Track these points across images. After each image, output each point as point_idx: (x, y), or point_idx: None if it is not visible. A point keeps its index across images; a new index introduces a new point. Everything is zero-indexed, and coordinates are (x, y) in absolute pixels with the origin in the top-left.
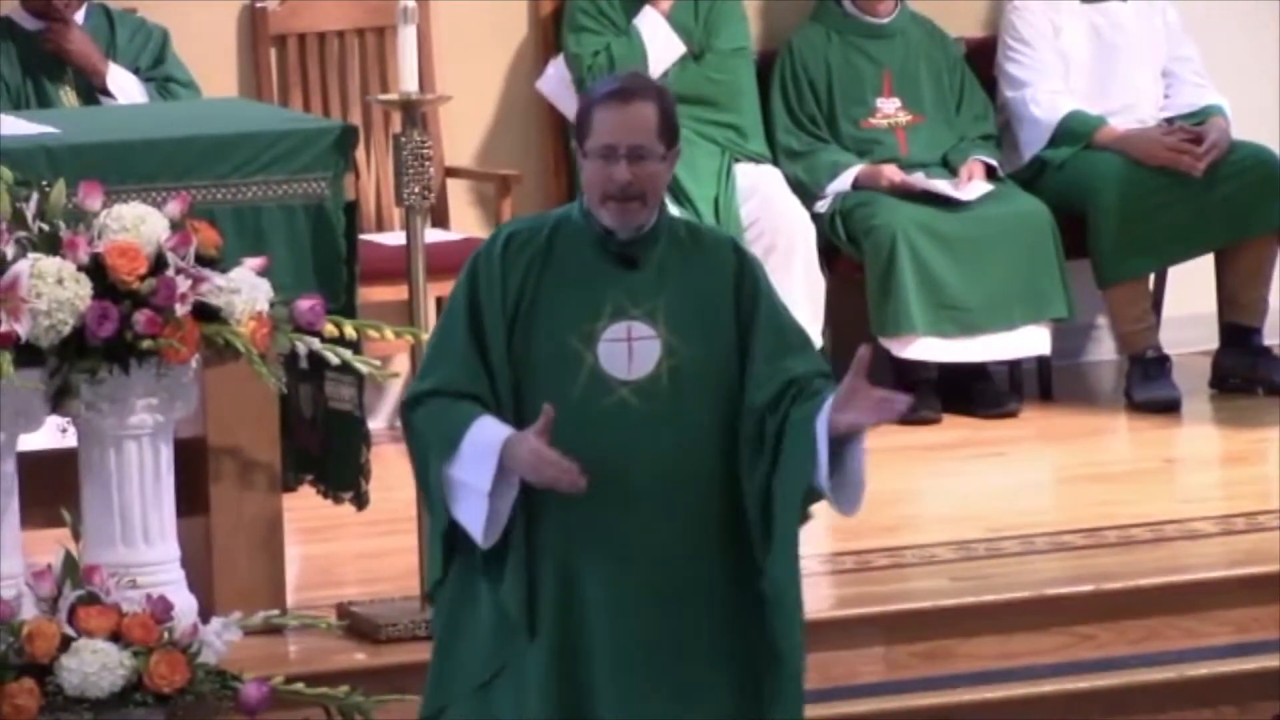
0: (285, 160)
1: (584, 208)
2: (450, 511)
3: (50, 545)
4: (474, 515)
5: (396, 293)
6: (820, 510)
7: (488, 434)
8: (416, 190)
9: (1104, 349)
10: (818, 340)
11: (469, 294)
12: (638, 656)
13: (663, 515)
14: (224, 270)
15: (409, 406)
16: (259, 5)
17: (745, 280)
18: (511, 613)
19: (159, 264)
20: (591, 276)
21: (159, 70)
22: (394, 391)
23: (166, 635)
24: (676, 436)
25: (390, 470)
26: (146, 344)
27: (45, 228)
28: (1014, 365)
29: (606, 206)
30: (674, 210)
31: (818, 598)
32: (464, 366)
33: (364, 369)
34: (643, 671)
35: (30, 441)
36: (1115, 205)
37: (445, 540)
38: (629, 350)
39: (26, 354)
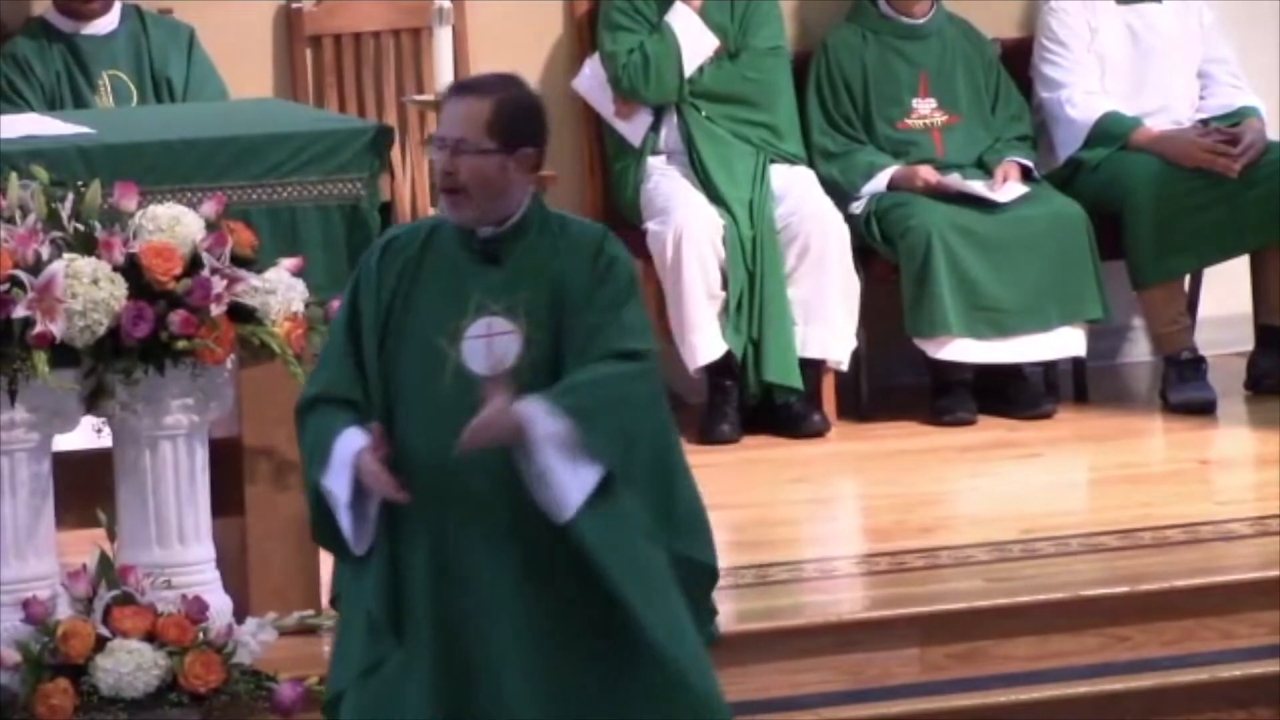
0: (320, 161)
1: None
2: (336, 518)
3: (85, 545)
4: (343, 524)
5: None
6: (854, 512)
7: (346, 446)
8: None
9: (1139, 350)
10: (851, 341)
11: (350, 301)
12: (515, 650)
13: (531, 505)
14: (259, 271)
15: (300, 410)
16: (294, 5)
17: (598, 268)
18: (378, 617)
19: (194, 264)
20: (458, 275)
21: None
22: None
23: (201, 635)
24: None
25: None
26: (181, 344)
27: (81, 228)
28: (1049, 366)
29: (440, 197)
30: (711, 210)
31: (853, 599)
32: (342, 372)
33: None
34: (519, 665)
35: (65, 442)
36: (1151, 206)
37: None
38: (489, 346)
39: (62, 354)
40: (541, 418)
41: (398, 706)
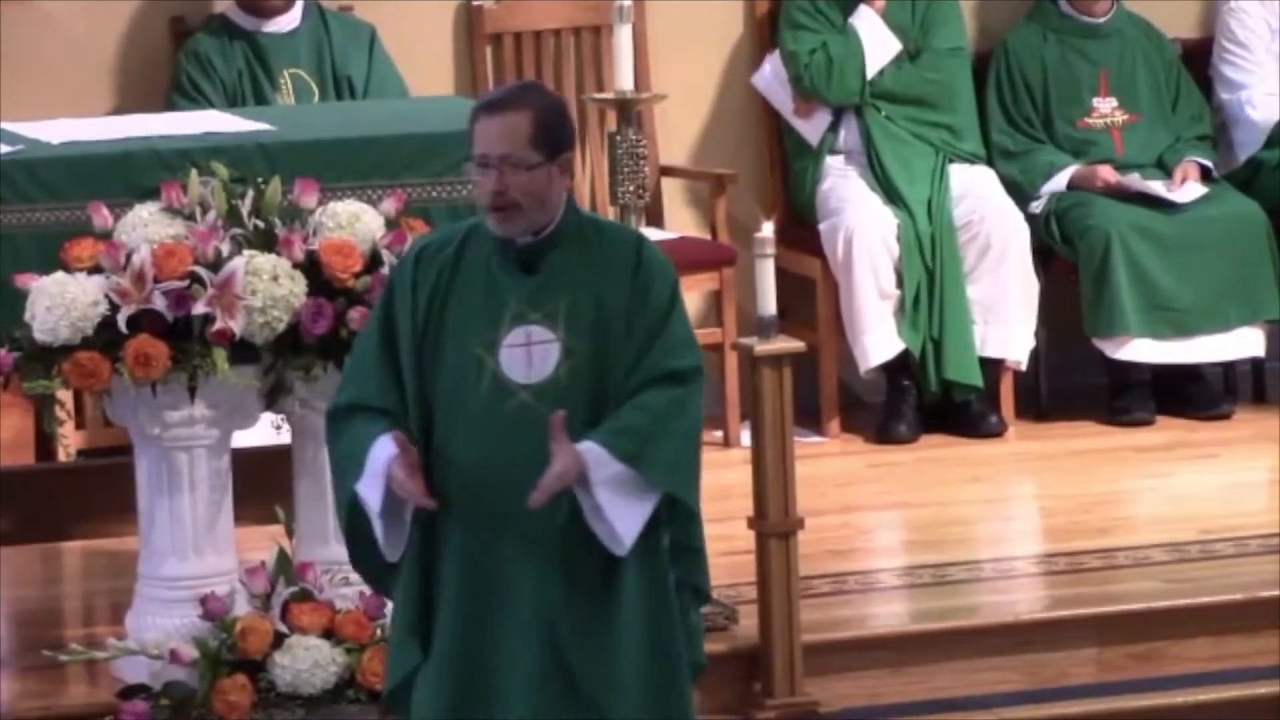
0: None
1: None
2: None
3: (264, 542)
4: (377, 531)
5: None
6: (1031, 512)
7: (381, 455)
8: (631, 189)
9: None
10: (1030, 341)
11: (384, 309)
12: (535, 661)
13: (569, 513)
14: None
15: (329, 419)
16: (475, 4)
17: (639, 281)
18: (405, 624)
19: (374, 261)
20: (495, 284)
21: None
22: None
23: (379, 633)
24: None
25: None
26: None
27: (261, 225)
28: (1228, 367)
29: (489, 215)
30: (885, 210)
31: (1030, 599)
32: (377, 381)
33: None
34: (538, 676)
35: (244, 438)
36: None
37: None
38: (528, 354)
39: (241, 351)
40: (603, 462)
41: (421, 710)
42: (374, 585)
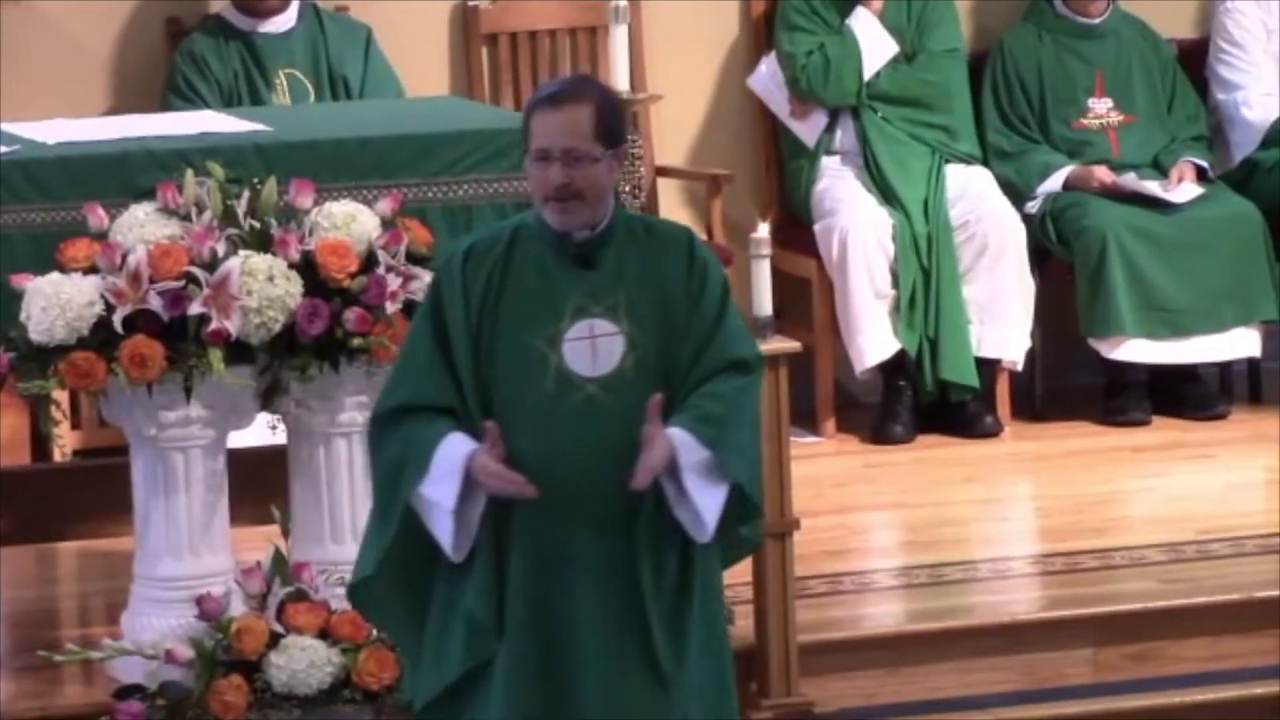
0: (496, 159)
1: (538, 213)
2: (428, 527)
3: (259, 542)
4: (444, 531)
5: None
6: (1027, 512)
7: (453, 452)
8: (627, 189)
9: None
10: (1026, 341)
11: (433, 309)
12: (616, 649)
13: (637, 505)
14: (434, 268)
15: (377, 423)
16: (471, 4)
17: (695, 275)
18: (480, 620)
19: (370, 262)
20: (551, 278)
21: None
22: None
23: (375, 633)
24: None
25: None
26: (356, 341)
27: (256, 225)
28: (1224, 367)
29: (548, 207)
30: (880, 210)
31: (1026, 600)
32: (432, 380)
33: None
34: (620, 664)
35: (240, 438)
36: None
37: (392, 550)
38: (592, 347)
39: (237, 351)
40: (691, 447)
41: (497, 705)
42: (402, 597)
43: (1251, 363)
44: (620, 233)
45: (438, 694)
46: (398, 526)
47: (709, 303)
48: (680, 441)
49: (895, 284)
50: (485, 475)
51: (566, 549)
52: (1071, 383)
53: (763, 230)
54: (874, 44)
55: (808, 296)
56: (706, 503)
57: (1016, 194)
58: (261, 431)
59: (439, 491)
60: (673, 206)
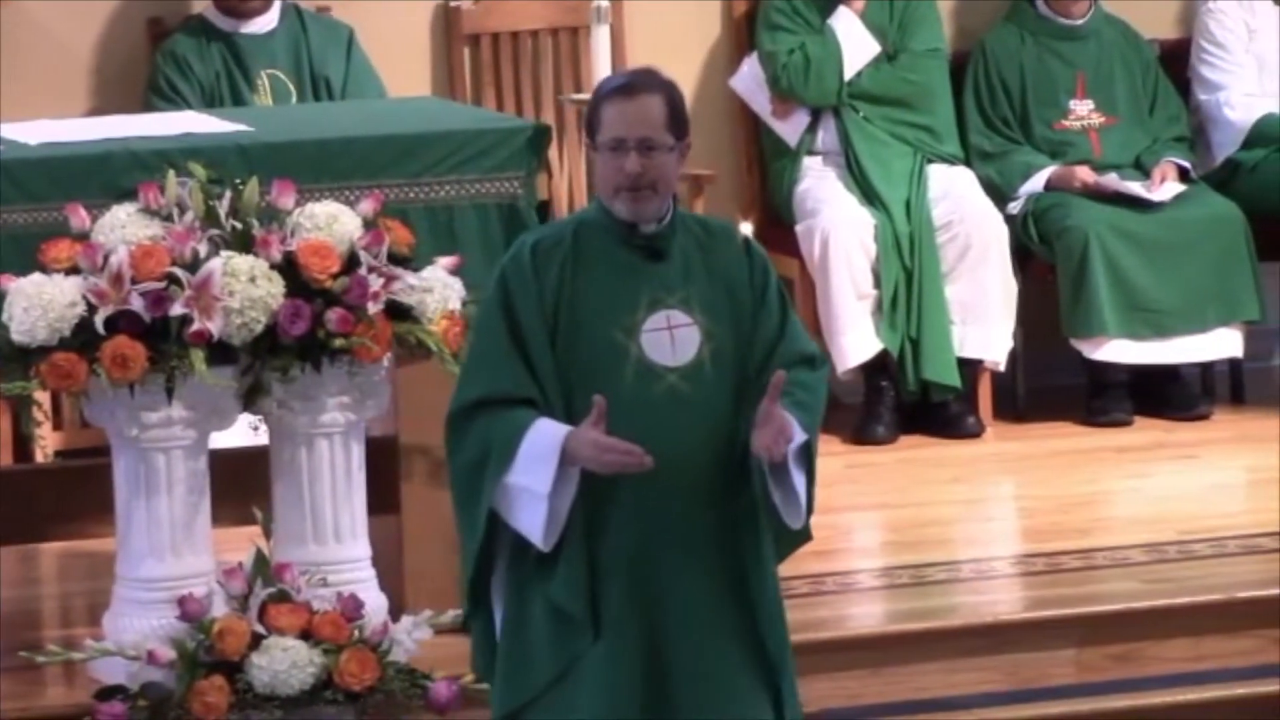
0: (478, 159)
1: (603, 206)
2: (509, 520)
3: (241, 543)
4: (534, 519)
5: None
6: (1010, 513)
7: (545, 436)
8: None
9: None
10: (1008, 342)
11: (503, 304)
12: (709, 643)
13: (720, 496)
14: (416, 269)
15: (458, 417)
16: (453, 4)
17: (755, 271)
18: (572, 612)
19: (351, 262)
20: (622, 271)
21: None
22: None
23: (357, 633)
24: (722, 417)
25: None
26: (338, 342)
27: (238, 226)
28: (1206, 367)
29: (620, 198)
30: (861, 210)
31: (1009, 600)
32: (509, 373)
33: None
34: (715, 657)
35: (222, 439)
36: None
37: (484, 554)
38: (671, 338)
39: (219, 352)
40: (798, 430)
41: (595, 703)
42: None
43: (1233, 363)
44: (680, 226)
45: (527, 701)
46: (486, 524)
47: (772, 299)
48: (790, 422)
49: (877, 284)
50: (598, 449)
51: (651, 539)
52: (1054, 383)
53: (745, 230)
54: (855, 44)
55: (790, 297)
56: (803, 487)
57: (999, 194)
58: (243, 432)
59: (529, 477)
60: None
